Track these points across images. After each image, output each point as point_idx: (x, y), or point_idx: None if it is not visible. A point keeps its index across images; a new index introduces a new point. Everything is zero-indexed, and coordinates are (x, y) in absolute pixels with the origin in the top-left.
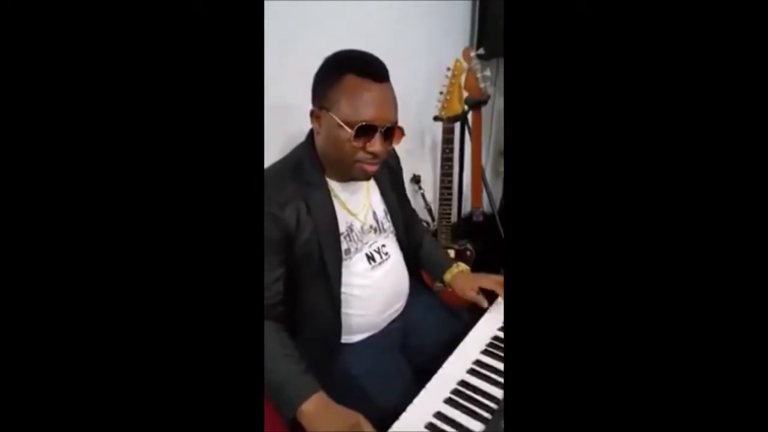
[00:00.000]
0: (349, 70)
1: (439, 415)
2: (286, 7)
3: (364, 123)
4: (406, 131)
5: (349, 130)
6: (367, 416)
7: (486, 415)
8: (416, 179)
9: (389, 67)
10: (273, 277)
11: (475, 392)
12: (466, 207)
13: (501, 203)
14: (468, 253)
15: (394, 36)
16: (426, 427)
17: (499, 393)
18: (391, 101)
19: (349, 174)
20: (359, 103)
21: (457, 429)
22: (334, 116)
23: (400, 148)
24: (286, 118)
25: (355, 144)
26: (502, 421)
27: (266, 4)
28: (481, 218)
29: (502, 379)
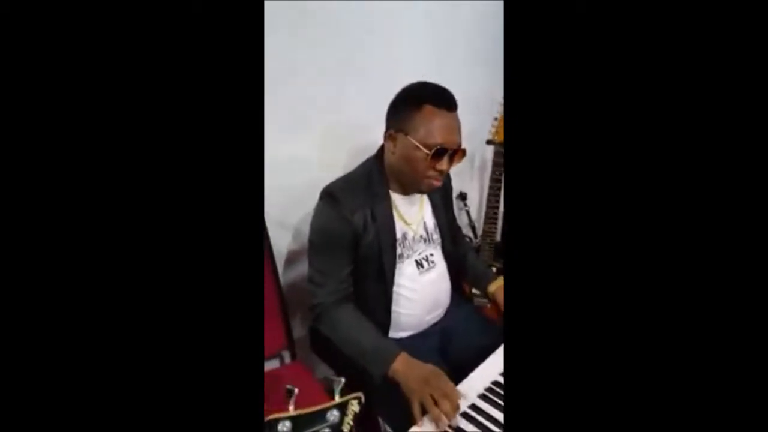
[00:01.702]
0: (427, 101)
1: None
2: (350, 36)
3: (439, 146)
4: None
5: (426, 151)
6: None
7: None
8: (462, 197)
9: None
10: (346, 271)
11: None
12: None
13: None
14: None
15: (441, 65)
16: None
17: None
18: (458, 128)
19: (417, 188)
20: (434, 129)
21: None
22: (411, 139)
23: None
24: (355, 135)
25: (426, 163)
26: None
27: (334, 31)
28: None
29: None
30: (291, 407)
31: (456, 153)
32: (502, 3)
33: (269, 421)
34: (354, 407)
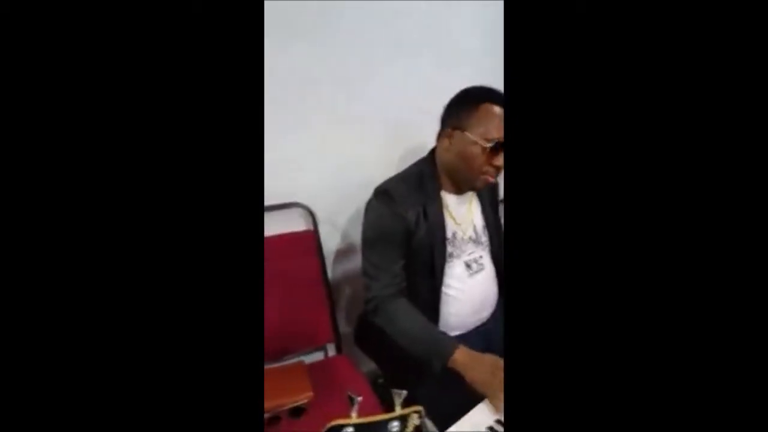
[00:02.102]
0: (486, 99)
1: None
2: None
3: (497, 140)
4: None
5: (485, 145)
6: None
7: None
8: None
9: None
10: (399, 266)
11: None
12: None
13: None
14: None
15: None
16: None
17: None
18: None
19: (472, 184)
20: (492, 125)
21: None
22: (469, 135)
23: None
24: (402, 136)
25: (484, 158)
26: None
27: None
28: None
29: None
30: (354, 414)
31: None
32: None
33: (332, 428)
34: (414, 420)
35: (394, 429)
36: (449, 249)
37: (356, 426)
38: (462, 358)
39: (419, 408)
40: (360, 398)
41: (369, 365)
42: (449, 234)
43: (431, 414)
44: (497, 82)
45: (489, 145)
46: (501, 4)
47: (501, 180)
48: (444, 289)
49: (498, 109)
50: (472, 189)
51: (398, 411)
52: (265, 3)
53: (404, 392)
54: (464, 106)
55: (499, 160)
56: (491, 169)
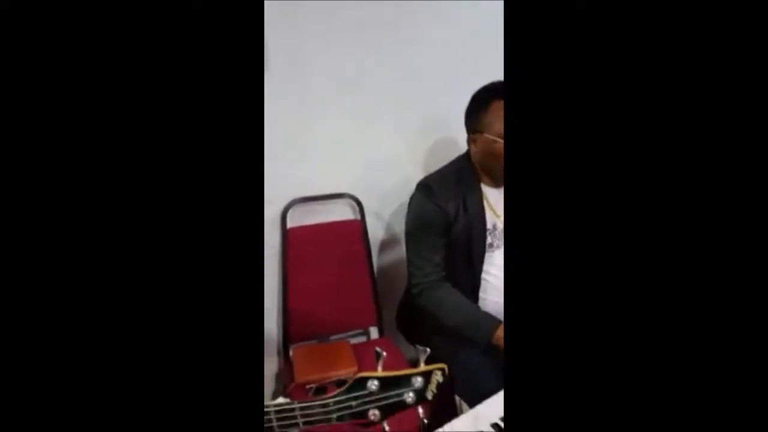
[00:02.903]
0: (493, 98)
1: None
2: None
3: None
4: None
5: (498, 143)
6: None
7: None
8: None
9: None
10: (441, 255)
11: None
12: None
13: None
14: None
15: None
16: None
17: None
18: None
19: (500, 178)
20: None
21: None
22: (488, 135)
23: None
24: (439, 133)
25: None
26: None
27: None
28: None
29: None
30: (379, 368)
31: None
32: None
33: (359, 379)
34: (438, 376)
35: (417, 384)
36: (489, 239)
37: (381, 379)
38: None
39: (443, 365)
40: (385, 354)
41: (410, 352)
42: (489, 225)
43: (466, 387)
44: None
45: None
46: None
47: None
48: (484, 276)
49: None
50: None
51: (422, 367)
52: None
53: (428, 350)
54: (477, 109)
55: None
56: None
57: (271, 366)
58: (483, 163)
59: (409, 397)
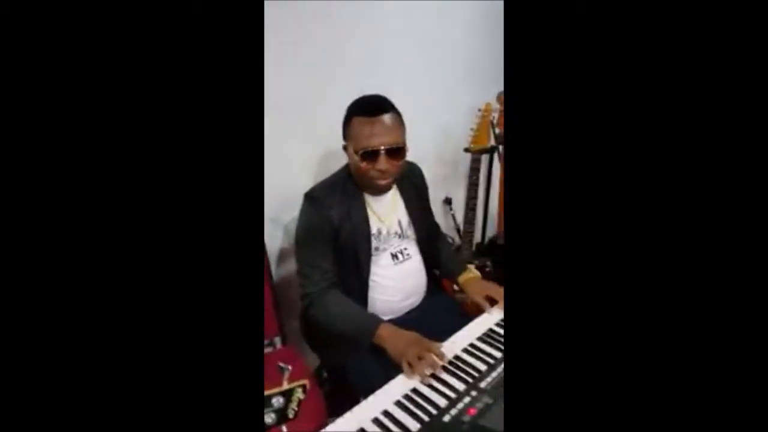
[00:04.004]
0: (353, 113)
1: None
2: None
3: (363, 150)
4: (444, 161)
5: (359, 155)
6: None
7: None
8: (448, 201)
9: (434, 106)
10: (329, 262)
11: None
12: (492, 230)
13: None
14: (486, 269)
15: (436, 80)
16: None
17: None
18: (389, 128)
19: (372, 186)
20: (360, 135)
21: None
22: (350, 149)
23: (437, 173)
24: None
25: (364, 165)
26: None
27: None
28: (503, 242)
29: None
30: (285, 382)
31: (393, 151)
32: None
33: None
34: (299, 394)
35: (278, 404)
36: (375, 243)
37: (283, 393)
38: (385, 332)
39: (304, 382)
40: (290, 368)
41: (314, 359)
42: (374, 230)
43: (362, 387)
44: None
45: (359, 155)
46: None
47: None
48: (372, 278)
49: (363, 119)
50: (378, 190)
51: (284, 385)
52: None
53: (289, 367)
54: (344, 123)
55: (379, 164)
56: (376, 173)
57: None
58: (352, 172)
59: (270, 418)
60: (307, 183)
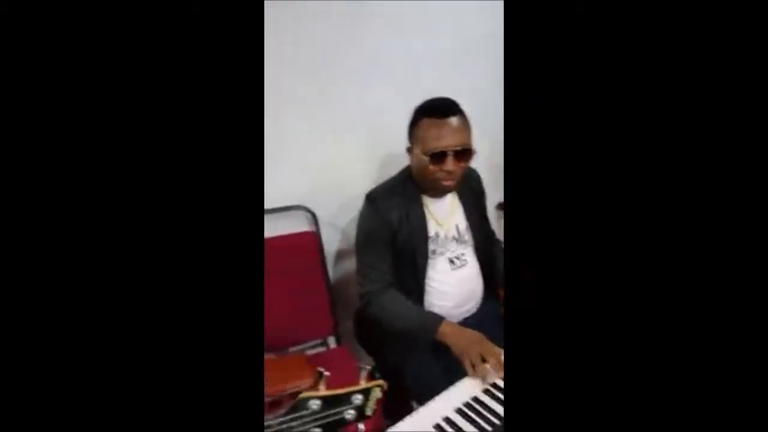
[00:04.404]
0: (421, 115)
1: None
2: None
3: (432, 151)
4: (495, 165)
5: (427, 157)
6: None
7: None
8: (501, 206)
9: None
10: (388, 263)
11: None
12: None
13: None
14: None
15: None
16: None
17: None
18: (457, 130)
19: (436, 188)
20: (428, 138)
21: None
22: (417, 151)
23: (492, 177)
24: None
25: (432, 167)
26: None
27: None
28: None
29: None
30: (322, 387)
31: (461, 153)
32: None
33: (301, 399)
34: (377, 393)
35: (358, 401)
36: (432, 247)
37: (323, 398)
38: (448, 329)
39: (381, 382)
40: (328, 373)
41: (367, 360)
42: (432, 233)
43: (418, 391)
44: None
45: (428, 156)
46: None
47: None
48: (428, 282)
49: (432, 121)
50: (441, 192)
51: (362, 384)
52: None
53: (368, 367)
54: (411, 125)
55: (447, 166)
56: (443, 174)
57: None
58: (416, 174)
59: (350, 414)
60: (364, 185)
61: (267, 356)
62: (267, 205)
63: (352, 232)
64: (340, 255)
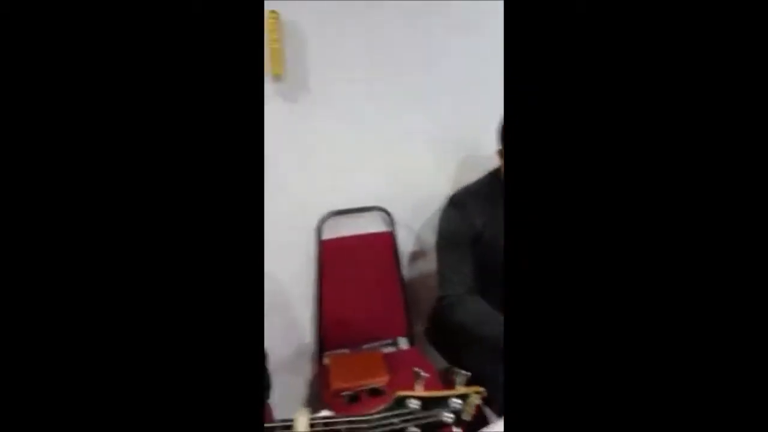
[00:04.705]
0: None
1: None
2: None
3: None
4: None
5: None
6: None
7: None
8: None
9: None
10: (470, 267)
11: None
12: None
13: None
14: None
15: None
16: None
17: None
18: None
19: None
20: None
21: None
22: None
23: None
24: (478, 143)
25: None
26: None
27: None
28: None
29: None
30: (419, 388)
31: None
32: None
33: (400, 397)
34: (475, 399)
35: (456, 406)
36: None
37: (422, 399)
38: None
39: (480, 389)
40: (427, 375)
41: (440, 362)
42: None
43: (499, 399)
44: None
45: None
46: None
47: None
48: None
49: None
50: None
51: (462, 389)
52: None
53: (468, 373)
54: (500, 128)
55: None
56: None
57: (305, 371)
58: (503, 178)
59: (449, 417)
60: (438, 187)
61: (341, 351)
62: (346, 204)
63: (426, 234)
64: (414, 256)
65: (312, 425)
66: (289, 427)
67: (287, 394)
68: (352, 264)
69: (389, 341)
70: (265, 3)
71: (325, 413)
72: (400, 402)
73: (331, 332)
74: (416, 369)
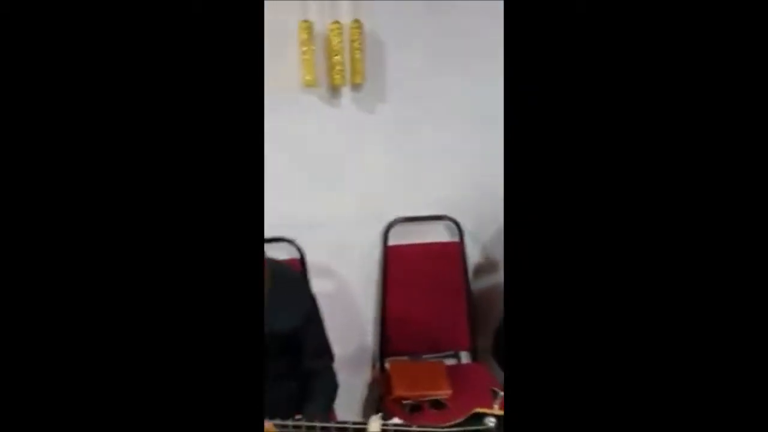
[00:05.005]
0: None
1: None
2: None
3: None
4: None
5: None
6: None
7: None
8: None
9: None
10: None
11: None
12: None
13: None
14: None
15: None
16: None
17: None
18: None
19: None
20: None
21: None
22: None
23: None
24: None
25: None
26: None
27: None
28: None
29: None
30: (496, 406)
31: None
32: None
33: (476, 414)
34: None
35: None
36: None
37: (498, 417)
38: None
39: None
40: (502, 393)
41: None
42: None
43: None
44: None
45: None
46: None
47: None
48: None
49: None
50: None
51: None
52: None
53: (501, 392)
54: None
55: None
56: None
57: (365, 375)
58: None
59: None
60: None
61: (401, 359)
62: (415, 212)
63: (495, 246)
64: (479, 269)
65: (384, 431)
66: (361, 430)
67: (344, 395)
68: (417, 272)
69: (450, 353)
70: (349, 12)
71: (396, 420)
72: (476, 418)
73: (393, 338)
74: (493, 388)
